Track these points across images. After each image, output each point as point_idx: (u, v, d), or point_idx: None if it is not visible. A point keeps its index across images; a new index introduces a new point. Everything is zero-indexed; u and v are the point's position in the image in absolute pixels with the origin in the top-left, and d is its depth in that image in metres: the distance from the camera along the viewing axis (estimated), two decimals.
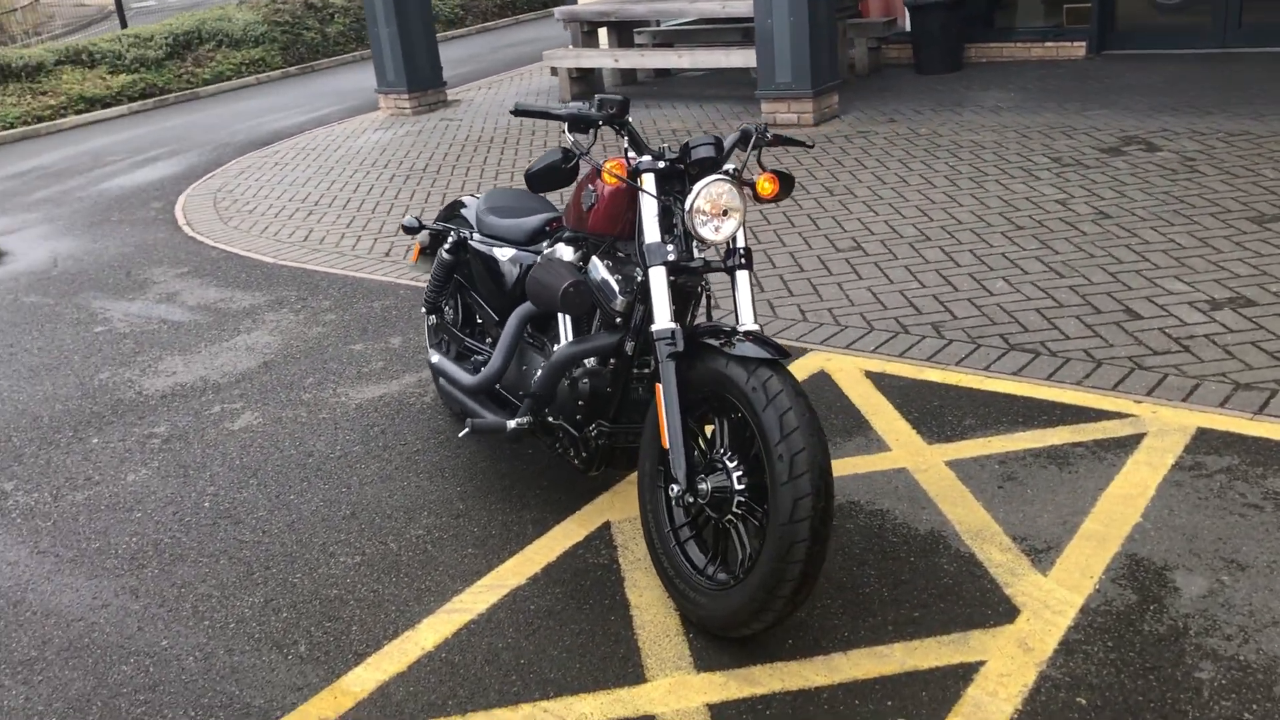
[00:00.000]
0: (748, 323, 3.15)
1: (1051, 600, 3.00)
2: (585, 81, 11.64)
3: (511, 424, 3.52)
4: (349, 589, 3.39)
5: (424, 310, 4.35)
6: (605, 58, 11.25)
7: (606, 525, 3.60)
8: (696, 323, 3.27)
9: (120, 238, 8.09)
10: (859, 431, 4.04)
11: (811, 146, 3.60)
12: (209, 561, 3.62)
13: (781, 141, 3.39)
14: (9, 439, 4.76)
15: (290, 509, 3.91)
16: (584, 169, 3.32)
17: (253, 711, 2.89)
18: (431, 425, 4.42)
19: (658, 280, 3.05)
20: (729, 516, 2.93)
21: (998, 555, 3.23)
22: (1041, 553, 3.22)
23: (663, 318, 3.02)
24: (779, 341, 3.51)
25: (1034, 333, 4.68)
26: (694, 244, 3.15)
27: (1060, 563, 3.16)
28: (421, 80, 11.83)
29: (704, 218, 3.04)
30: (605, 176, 3.04)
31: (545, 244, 3.71)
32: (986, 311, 4.96)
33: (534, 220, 3.83)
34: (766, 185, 3.25)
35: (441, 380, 4.19)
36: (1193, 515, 3.31)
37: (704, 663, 2.90)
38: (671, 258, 3.07)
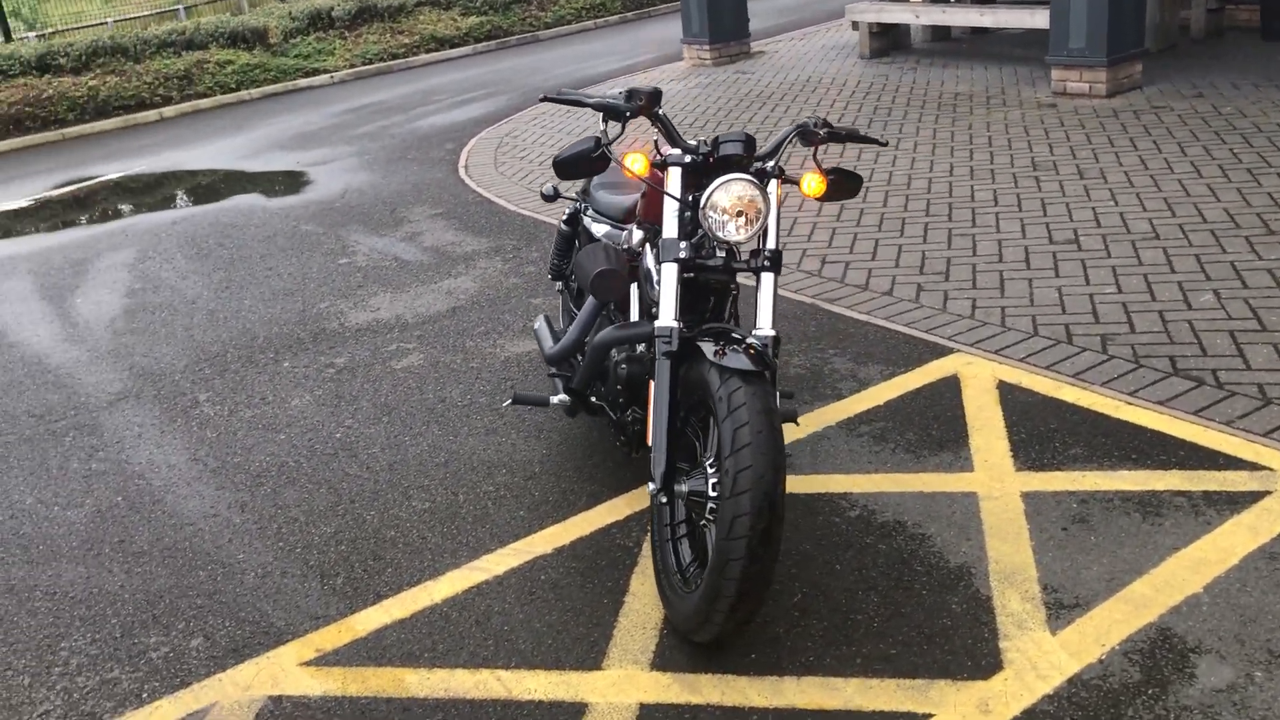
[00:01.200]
0: (764, 328, 3.08)
1: (1043, 663, 2.76)
2: (886, 38, 11.24)
3: (554, 400, 3.63)
4: (404, 533, 3.67)
5: (550, 277, 4.51)
6: (906, 13, 10.81)
7: None
8: (708, 324, 3.21)
9: (405, 176, 8.86)
10: (952, 447, 3.81)
11: (885, 144, 3.40)
12: (312, 488, 4.03)
13: (841, 138, 3.23)
14: (224, 354, 5.45)
15: (400, 449, 4.25)
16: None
17: (271, 631, 3.23)
18: (553, 386, 4.60)
19: (667, 277, 3.04)
20: (703, 521, 2.91)
21: (1015, 604, 2.98)
22: (1065, 609, 2.94)
23: (666, 315, 3.01)
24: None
25: (1212, 358, 4.17)
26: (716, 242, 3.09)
27: (1078, 623, 2.88)
28: (724, 32, 11.91)
29: (719, 216, 2.98)
30: (624, 170, 3.05)
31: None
32: (1172, 328, 4.45)
33: (629, 199, 3.87)
34: (813, 186, 3.14)
35: None
36: (1265, 596, 2.90)
37: (661, 661, 2.93)
38: (683, 255, 3.04)
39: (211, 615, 3.34)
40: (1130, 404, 3.93)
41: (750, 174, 3.05)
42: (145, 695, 3.01)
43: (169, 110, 13.28)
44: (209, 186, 9.50)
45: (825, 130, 3.20)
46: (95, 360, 5.57)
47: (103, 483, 4.26)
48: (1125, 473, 3.53)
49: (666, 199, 3.07)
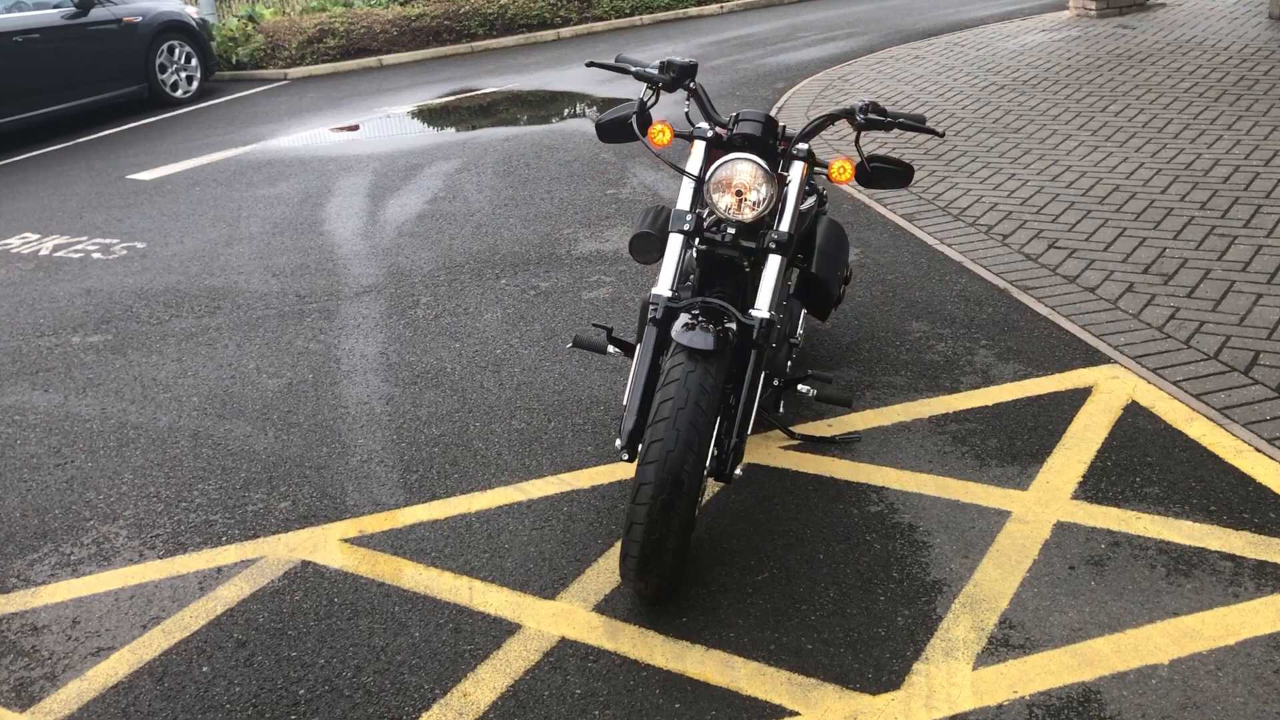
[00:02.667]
0: (761, 309, 3.11)
1: (939, 694, 2.67)
2: None
3: (609, 349, 3.83)
4: (489, 446, 4.07)
5: None
6: None
7: None
8: (704, 297, 3.25)
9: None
10: (1024, 462, 3.59)
11: (942, 136, 3.23)
12: (447, 395, 4.53)
13: (885, 126, 3.14)
14: (463, 265, 6.09)
15: (535, 373, 4.64)
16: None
17: (341, 507, 3.77)
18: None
19: (671, 246, 3.15)
20: None
21: (960, 631, 2.87)
22: (1007, 648, 2.79)
23: (664, 284, 3.13)
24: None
25: None
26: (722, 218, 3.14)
27: (1007, 665, 2.74)
28: None
29: (721, 193, 3.05)
30: (649, 139, 3.18)
31: None
32: None
33: None
34: (841, 172, 3.10)
35: None
36: (1232, 685, 2.59)
37: (604, 605, 3.12)
38: (688, 228, 3.13)
39: (308, 485, 3.94)
40: (1259, 451, 3.49)
41: (768, 154, 3.07)
42: (224, 539, 3.66)
43: (566, 31, 14.34)
44: (554, 108, 10.30)
45: (864, 117, 3.13)
46: (370, 256, 6.43)
47: (306, 361, 5.01)
48: (1187, 523, 3.19)
49: (684, 173, 3.17)
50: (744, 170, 3.02)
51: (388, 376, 4.76)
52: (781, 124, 3.30)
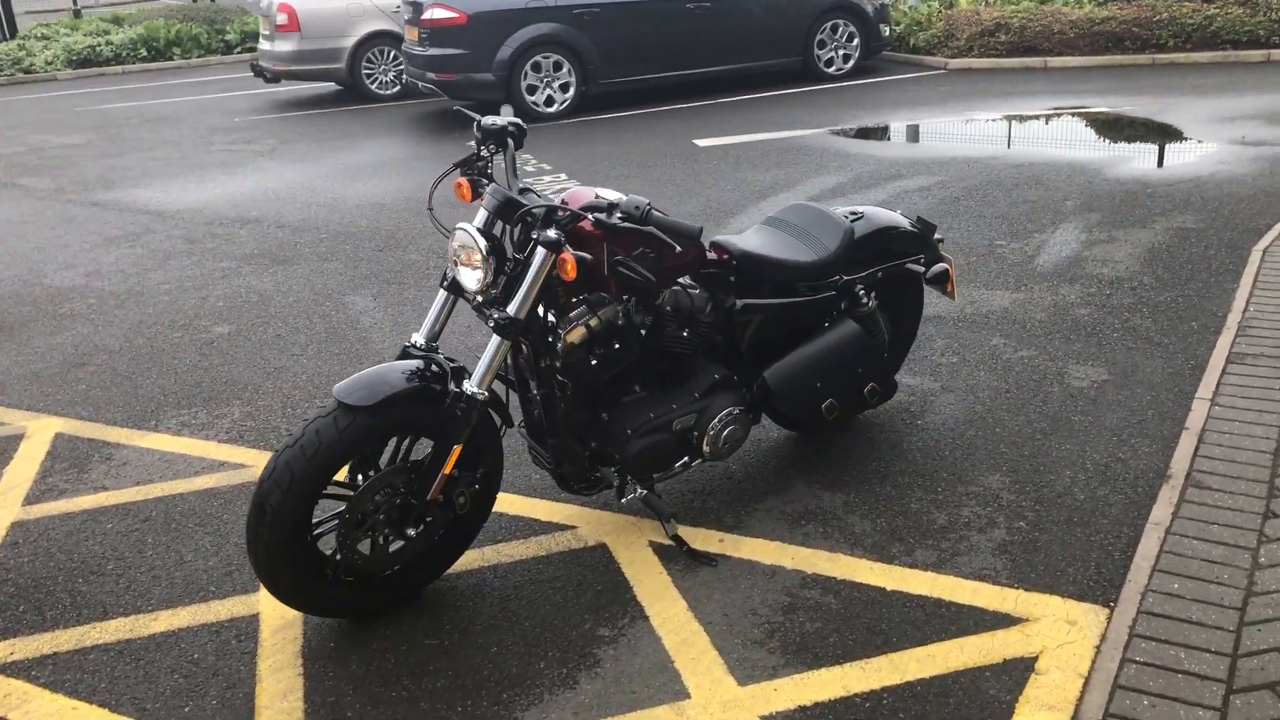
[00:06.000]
0: (471, 385, 3.09)
1: None
2: None
3: None
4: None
5: None
6: None
7: (574, 529, 3.75)
8: (434, 351, 3.21)
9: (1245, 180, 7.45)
10: (800, 660, 3.01)
11: (677, 250, 2.75)
12: None
13: (613, 229, 2.87)
14: None
15: None
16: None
17: None
18: None
19: (437, 299, 3.24)
20: None
21: None
22: None
23: (421, 330, 3.24)
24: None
25: None
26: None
27: None
28: None
29: (451, 259, 3.09)
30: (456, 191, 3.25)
31: None
32: None
33: None
34: (566, 265, 2.95)
35: None
36: None
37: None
38: (445, 284, 3.19)
39: None
40: None
41: (503, 233, 3.02)
42: (259, 445, 4.52)
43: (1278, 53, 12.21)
44: (1120, 137, 9.15)
45: (596, 216, 2.88)
46: None
47: None
48: None
49: (440, 229, 3.23)
50: (461, 238, 3.00)
51: None
52: (548, 205, 3.08)
